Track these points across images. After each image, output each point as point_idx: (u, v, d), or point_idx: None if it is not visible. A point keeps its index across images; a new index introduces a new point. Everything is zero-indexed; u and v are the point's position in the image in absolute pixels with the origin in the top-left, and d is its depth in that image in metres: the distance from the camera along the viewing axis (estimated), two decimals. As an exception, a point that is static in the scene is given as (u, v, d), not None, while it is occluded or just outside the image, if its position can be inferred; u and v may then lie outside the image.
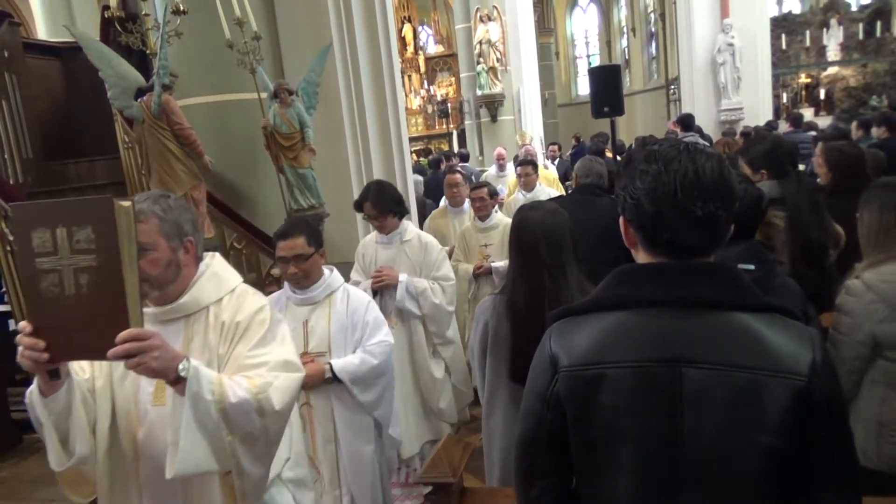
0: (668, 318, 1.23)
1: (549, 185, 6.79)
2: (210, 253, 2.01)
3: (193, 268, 1.89)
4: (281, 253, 2.81)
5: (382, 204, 3.75)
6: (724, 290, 1.23)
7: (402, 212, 3.91)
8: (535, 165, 6.45)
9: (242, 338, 1.83)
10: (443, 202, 5.76)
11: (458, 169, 6.77)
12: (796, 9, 18.92)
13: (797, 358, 1.17)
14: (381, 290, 3.82)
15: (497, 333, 2.41)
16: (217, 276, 1.93)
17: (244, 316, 1.86)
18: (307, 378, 2.65)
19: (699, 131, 8.76)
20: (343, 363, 2.83)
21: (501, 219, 4.79)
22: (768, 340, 1.18)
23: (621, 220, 1.34)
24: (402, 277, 3.78)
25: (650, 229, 1.25)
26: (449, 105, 19.54)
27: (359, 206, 3.83)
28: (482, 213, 4.79)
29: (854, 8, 17.51)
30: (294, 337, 2.75)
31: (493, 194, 4.83)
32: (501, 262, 4.52)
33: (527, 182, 6.26)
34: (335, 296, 2.93)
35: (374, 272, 3.81)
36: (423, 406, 4.02)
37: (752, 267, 2.26)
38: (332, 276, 2.95)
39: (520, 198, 6.13)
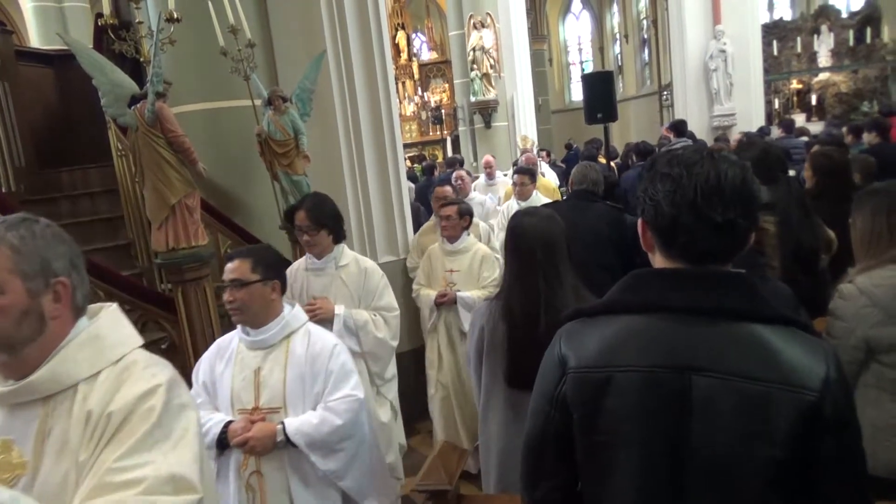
0: (679, 324, 1.22)
1: (546, 195, 6.55)
2: (105, 304, 1.45)
3: (68, 324, 1.34)
4: (223, 275, 2.44)
5: (318, 215, 3.27)
6: (737, 299, 1.22)
7: (338, 231, 3.39)
8: (532, 175, 6.23)
9: (114, 438, 1.23)
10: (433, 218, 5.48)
11: (463, 174, 6.44)
12: (787, 15, 19.12)
13: (809, 372, 1.16)
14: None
15: (493, 338, 2.42)
16: (97, 339, 1.35)
17: (121, 404, 1.26)
18: (255, 442, 2.31)
19: (692, 137, 8.80)
20: (299, 423, 2.35)
21: (472, 243, 4.37)
22: (780, 353, 1.17)
23: (639, 222, 1.33)
24: (339, 310, 3.29)
25: (667, 233, 1.25)
26: (443, 111, 19.58)
27: (290, 215, 3.36)
28: (449, 233, 4.30)
29: (844, 14, 17.68)
30: (244, 388, 2.41)
31: (465, 214, 4.34)
32: (468, 293, 4.17)
33: (522, 191, 6.01)
34: (294, 338, 2.47)
35: (305, 304, 3.27)
36: None
37: (742, 272, 2.27)
38: (291, 314, 2.51)
39: (514, 207, 5.93)
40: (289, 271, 3.35)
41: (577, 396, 1.29)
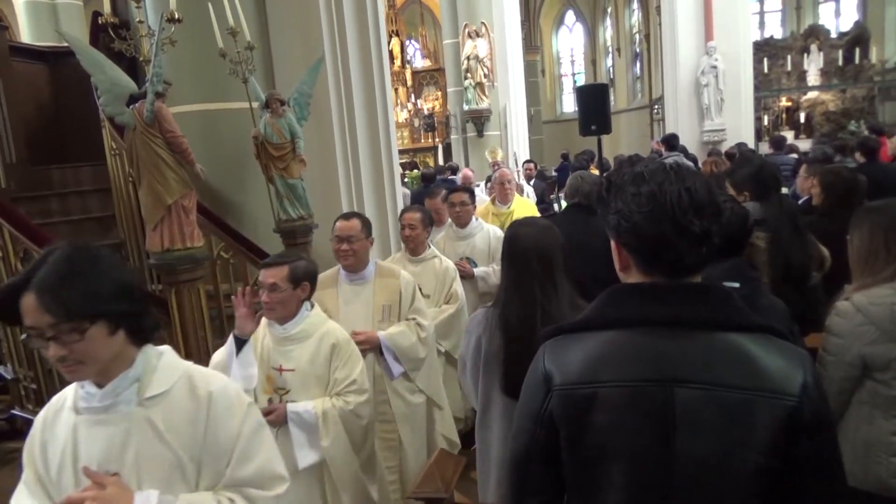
0: (660, 337, 1.24)
1: (528, 212, 5.32)
2: None
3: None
4: None
5: (71, 301, 1.35)
6: (715, 309, 1.24)
7: (135, 321, 1.47)
8: (472, 194, 4.93)
9: None
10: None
11: (413, 219, 4.03)
12: (778, 34, 19.40)
13: (788, 378, 1.18)
14: None
15: (490, 347, 2.41)
16: None
17: None
18: None
19: (683, 151, 8.90)
20: None
21: (318, 322, 2.82)
22: (760, 361, 1.19)
23: (613, 244, 1.33)
24: (148, 499, 1.43)
25: (650, 251, 1.26)
26: (435, 119, 19.62)
27: (8, 300, 1.36)
28: (275, 314, 2.72)
29: (834, 35, 17.99)
30: None
31: (302, 280, 2.71)
32: (306, 404, 2.69)
33: (461, 215, 4.57)
34: None
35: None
36: None
37: (737, 285, 2.29)
38: None
39: (450, 234, 4.68)
40: (40, 418, 1.57)
41: (564, 413, 1.29)
